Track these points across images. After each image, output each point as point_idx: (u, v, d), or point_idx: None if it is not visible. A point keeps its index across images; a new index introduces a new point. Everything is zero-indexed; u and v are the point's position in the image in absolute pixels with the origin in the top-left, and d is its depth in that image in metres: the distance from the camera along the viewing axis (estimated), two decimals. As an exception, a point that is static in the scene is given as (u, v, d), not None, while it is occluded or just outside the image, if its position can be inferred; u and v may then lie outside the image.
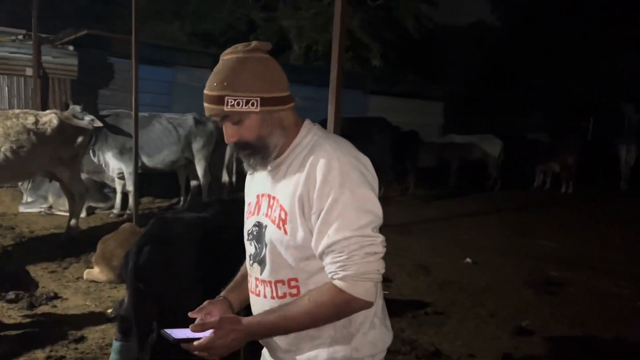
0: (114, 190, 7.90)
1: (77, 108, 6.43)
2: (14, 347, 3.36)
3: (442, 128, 15.91)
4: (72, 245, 5.80)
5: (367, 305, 1.35)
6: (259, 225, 1.50)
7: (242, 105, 1.37)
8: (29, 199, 7.62)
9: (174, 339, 1.35)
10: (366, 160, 1.42)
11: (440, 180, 12.13)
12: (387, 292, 4.89)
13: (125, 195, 7.72)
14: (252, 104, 1.37)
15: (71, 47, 8.73)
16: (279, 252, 1.42)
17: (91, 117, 6.44)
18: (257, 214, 1.51)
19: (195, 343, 1.33)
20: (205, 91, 1.41)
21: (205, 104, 1.42)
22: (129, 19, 5.86)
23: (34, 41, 8.12)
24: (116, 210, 7.65)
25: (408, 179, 11.23)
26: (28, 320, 3.86)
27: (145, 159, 7.54)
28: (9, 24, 8.84)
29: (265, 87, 1.39)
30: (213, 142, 8.05)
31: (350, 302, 1.33)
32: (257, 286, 1.51)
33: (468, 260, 6.21)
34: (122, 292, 4.23)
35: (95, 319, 3.89)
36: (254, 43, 1.43)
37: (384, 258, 1.37)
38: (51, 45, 8.59)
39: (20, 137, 5.34)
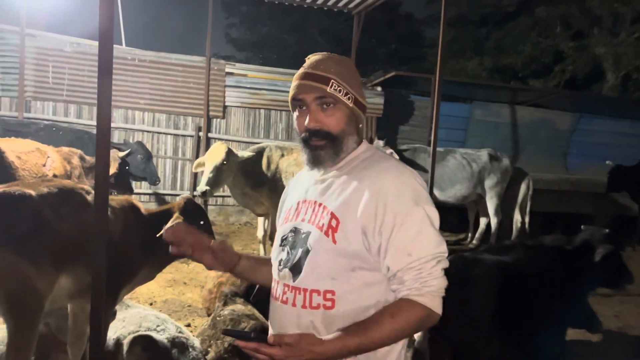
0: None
1: (380, 142, 7.01)
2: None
3: None
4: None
5: (437, 319, 1.36)
6: (295, 231, 1.48)
7: (342, 94, 1.41)
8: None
9: (247, 334, 1.31)
10: (421, 179, 1.44)
11: None
12: None
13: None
14: (349, 99, 1.42)
15: (379, 88, 9.62)
16: (321, 259, 1.39)
17: (390, 150, 6.91)
18: (295, 220, 1.50)
19: (265, 349, 1.24)
20: (306, 69, 1.44)
21: (302, 81, 1.43)
22: (431, 59, 6.10)
23: (350, 83, 9.25)
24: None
25: None
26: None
27: (437, 192, 7.68)
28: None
29: (359, 91, 1.47)
30: (507, 180, 7.74)
31: (429, 317, 1.33)
32: (285, 293, 1.45)
33: None
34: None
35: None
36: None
37: None
38: (364, 87, 9.64)
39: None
